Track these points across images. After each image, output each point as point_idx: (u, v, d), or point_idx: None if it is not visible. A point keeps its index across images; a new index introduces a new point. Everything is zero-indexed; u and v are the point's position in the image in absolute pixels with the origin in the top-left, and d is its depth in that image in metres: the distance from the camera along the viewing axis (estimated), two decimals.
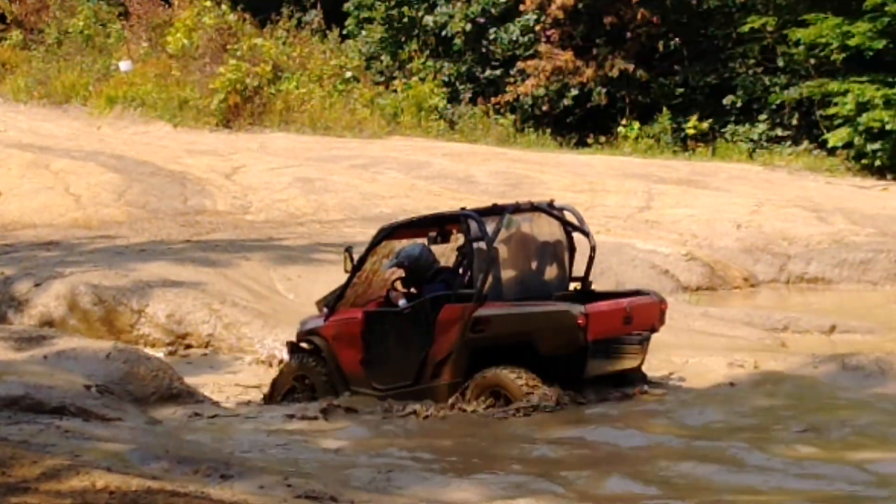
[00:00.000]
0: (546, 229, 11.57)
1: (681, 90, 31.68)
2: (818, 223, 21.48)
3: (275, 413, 11.26)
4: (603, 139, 30.54)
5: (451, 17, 32.89)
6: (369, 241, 11.82)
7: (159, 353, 13.83)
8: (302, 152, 25.94)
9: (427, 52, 33.16)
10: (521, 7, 31.58)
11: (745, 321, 15.84)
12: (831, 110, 28.72)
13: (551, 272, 11.59)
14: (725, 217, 21.67)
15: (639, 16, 30.79)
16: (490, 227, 11.00)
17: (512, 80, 31.90)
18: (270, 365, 13.91)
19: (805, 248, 20.30)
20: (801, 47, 29.52)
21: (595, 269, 11.80)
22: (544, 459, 9.52)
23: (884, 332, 15.56)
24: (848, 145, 28.51)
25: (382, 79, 33.05)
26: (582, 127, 31.60)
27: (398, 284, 11.58)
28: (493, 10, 32.61)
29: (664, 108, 30.88)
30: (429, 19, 33.25)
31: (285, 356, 12.68)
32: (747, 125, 30.91)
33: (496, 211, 11.36)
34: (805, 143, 30.14)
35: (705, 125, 30.47)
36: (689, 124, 30.48)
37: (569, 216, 11.72)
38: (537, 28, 31.71)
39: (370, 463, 9.22)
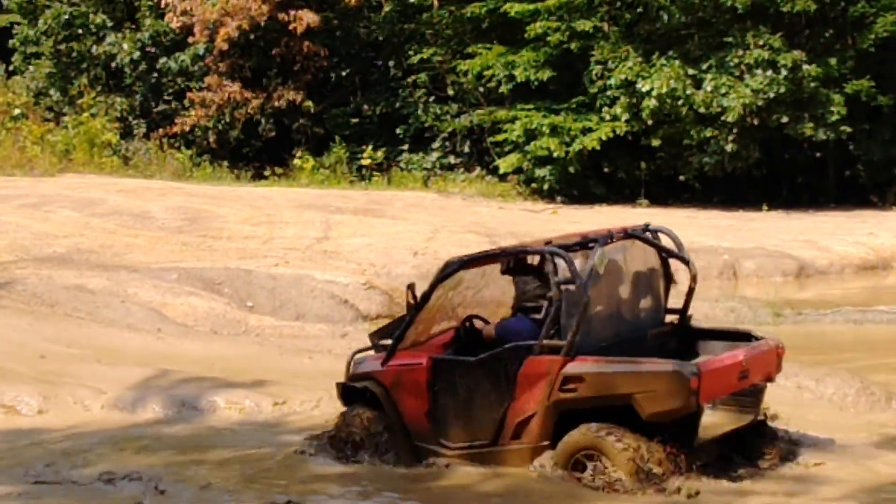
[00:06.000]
0: (640, 257, 10.10)
1: (354, 120, 32.06)
2: (492, 247, 21.98)
3: None
4: (280, 171, 30.64)
5: (121, 45, 32.40)
6: (435, 276, 10.16)
7: None
8: None
9: (98, 86, 32.61)
10: (190, 39, 31.44)
11: None
12: (501, 137, 29.57)
13: (645, 305, 10.15)
14: (402, 245, 22.00)
15: (305, 48, 31.04)
16: (579, 263, 9.44)
17: (186, 113, 31.69)
18: None
19: None
20: (470, 76, 30.28)
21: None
22: None
23: None
24: (518, 171, 29.44)
25: (52, 115, 32.37)
26: (258, 159, 31.65)
27: (478, 323, 10.11)
28: (163, 39, 32.32)
29: (338, 139, 31.18)
30: (98, 49, 32.66)
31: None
32: (421, 153, 31.53)
33: (585, 243, 9.81)
34: (477, 170, 30.96)
35: (380, 154, 30.92)
36: (364, 154, 30.86)
37: (665, 240, 10.28)
38: (208, 60, 31.59)
39: None
